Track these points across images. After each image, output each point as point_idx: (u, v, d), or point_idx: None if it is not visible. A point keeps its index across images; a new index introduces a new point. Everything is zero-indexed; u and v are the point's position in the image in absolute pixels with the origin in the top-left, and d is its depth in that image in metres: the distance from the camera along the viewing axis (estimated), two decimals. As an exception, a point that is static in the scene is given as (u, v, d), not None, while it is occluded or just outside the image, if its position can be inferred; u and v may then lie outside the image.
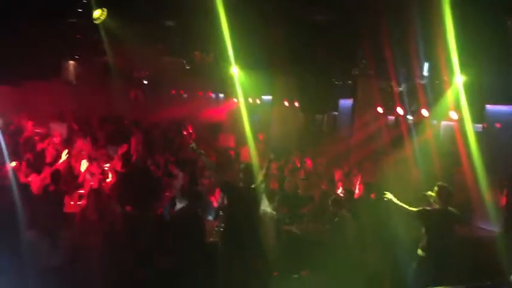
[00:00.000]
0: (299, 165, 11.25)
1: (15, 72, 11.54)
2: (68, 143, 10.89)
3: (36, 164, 8.76)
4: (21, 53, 10.93)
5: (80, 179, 8.33)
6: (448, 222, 6.71)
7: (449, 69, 8.88)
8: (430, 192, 6.94)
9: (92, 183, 8.09)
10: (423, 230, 6.79)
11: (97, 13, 9.31)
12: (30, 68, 11.81)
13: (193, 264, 6.70)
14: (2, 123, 11.00)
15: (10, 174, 7.09)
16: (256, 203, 6.91)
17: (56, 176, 7.25)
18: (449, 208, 6.69)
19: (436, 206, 6.74)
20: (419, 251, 6.81)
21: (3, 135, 9.28)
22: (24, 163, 8.54)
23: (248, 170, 6.93)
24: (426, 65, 9.24)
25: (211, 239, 7.33)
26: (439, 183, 6.87)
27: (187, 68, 15.34)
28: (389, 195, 6.92)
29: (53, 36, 11.58)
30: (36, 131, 11.41)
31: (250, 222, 6.70)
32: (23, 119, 12.10)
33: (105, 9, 9.34)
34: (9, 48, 10.18)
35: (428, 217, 6.71)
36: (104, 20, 9.48)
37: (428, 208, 6.82)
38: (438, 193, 6.74)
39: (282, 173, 10.42)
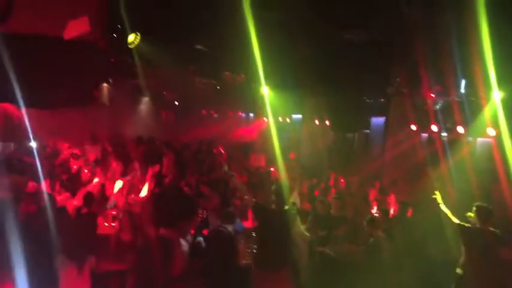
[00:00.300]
0: (332, 184, 11.10)
1: (51, 97, 11.84)
2: (101, 164, 11.05)
3: (70, 185, 8.91)
4: (57, 78, 11.23)
5: (112, 200, 8.41)
6: (489, 242, 6.48)
7: (486, 86, 8.69)
8: (469, 213, 6.77)
9: (126, 204, 8.15)
10: (462, 247, 6.59)
11: (131, 38, 9.53)
12: (65, 93, 12.10)
13: (226, 286, 6.62)
14: (38, 146, 11.27)
15: (45, 196, 7.18)
16: (288, 225, 6.83)
17: (88, 198, 7.33)
18: (490, 228, 6.47)
19: (477, 226, 6.54)
20: (458, 270, 6.59)
21: (40, 158, 9.51)
22: (58, 183, 8.69)
23: (279, 191, 6.87)
24: (463, 82, 9.03)
25: (243, 261, 7.26)
26: (477, 203, 6.68)
27: (218, 88, 15.47)
28: (438, 197, 6.78)
29: (88, 61, 11.87)
30: (72, 152, 11.62)
31: (282, 244, 6.61)
32: (58, 141, 12.37)
33: (138, 34, 9.54)
34: (45, 73, 10.48)
35: (466, 234, 6.53)
36: (138, 44, 9.68)
37: (467, 225, 6.62)
38: (477, 213, 6.57)
39: (313, 193, 10.30)
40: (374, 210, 9.35)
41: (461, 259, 6.65)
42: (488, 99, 8.83)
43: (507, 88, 8.39)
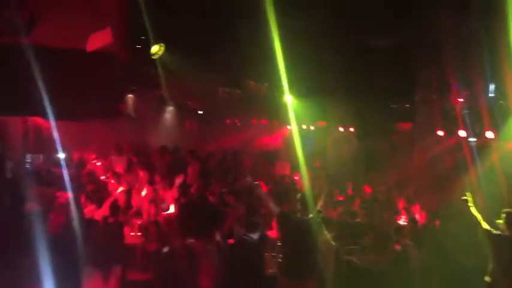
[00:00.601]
0: (351, 192, 10.96)
1: (77, 109, 12.03)
2: (127, 174, 11.14)
3: (96, 196, 8.98)
4: (82, 90, 11.41)
5: (136, 209, 8.46)
6: None
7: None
8: (499, 220, 6.58)
9: (152, 213, 8.19)
10: (491, 254, 6.42)
11: (155, 48, 9.61)
12: (91, 105, 12.29)
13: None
14: (66, 158, 11.45)
15: (72, 207, 7.26)
16: (314, 233, 6.76)
17: (114, 207, 7.38)
18: None
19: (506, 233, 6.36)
20: (487, 278, 6.41)
21: (68, 169, 9.64)
22: (83, 195, 8.78)
23: (304, 200, 6.81)
24: (491, 87, 8.83)
25: (270, 271, 7.20)
26: (506, 209, 6.49)
27: (242, 97, 15.50)
28: (469, 198, 6.63)
29: (112, 73, 12.05)
30: (98, 163, 11.76)
31: (308, 253, 6.54)
32: (85, 153, 12.53)
33: (162, 45, 9.63)
34: (71, 85, 10.66)
35: (494, 241, 6.35)
36: (161, 55, 9.75)
37: (495, 232, 6.44)
38: (506, 220, 6.38)
39: (339, 201, 10.19)
40: (402, 219, 9.18)
41: (490, 266, 6.47)
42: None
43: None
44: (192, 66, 11.30)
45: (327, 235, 7.50)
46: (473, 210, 6.66)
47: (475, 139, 11.03)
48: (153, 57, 9.75)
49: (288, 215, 6.88)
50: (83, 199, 8.60)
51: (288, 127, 15.38)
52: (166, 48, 9.72)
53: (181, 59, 10.76)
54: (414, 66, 9.80)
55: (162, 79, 12.63)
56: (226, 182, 11.53)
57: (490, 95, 8.94)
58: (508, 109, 9.08)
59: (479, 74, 8.54)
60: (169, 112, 20.30)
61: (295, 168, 13.10)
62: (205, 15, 9.50)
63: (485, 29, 7.89)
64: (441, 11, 7.72)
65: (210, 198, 9.46)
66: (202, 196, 9.18)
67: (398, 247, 7.64)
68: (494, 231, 6.44)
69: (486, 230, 6.45)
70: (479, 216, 6.59)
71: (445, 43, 8.49)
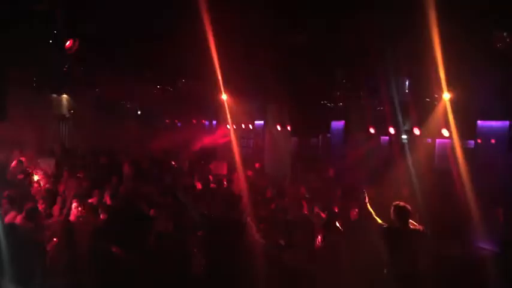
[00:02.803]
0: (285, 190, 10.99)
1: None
2: (55, 178, 10.71)
3: (20, 201, 8.53)
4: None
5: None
6: (408, 241, 6.44)
7: (438, 87, 8.75)
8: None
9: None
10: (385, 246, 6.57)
11: (69, 43, 9.08)
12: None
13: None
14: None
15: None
16: (242, 233, 6.70)
17: (31, 212, 7.01)
18: (411, 227, 6.45)
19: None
20: (385, 270, 6.57)
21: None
22: (4, 201, 8.31)
23: (230, 199, 6.77)
24: (410, 84, 9.08)
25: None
26: (395, 202, 6.65)
27: (180, 97, 15.27)
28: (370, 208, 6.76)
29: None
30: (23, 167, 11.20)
31: (234, 252, 6.48)
32: (11, 155, 11.93)
33: (76, 39, 9.19)
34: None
35: (385, 234, 6.51)
36: (79, 50, 9.29)
37: (385, 226, 6.59)
38: (394, 212, 6.54)
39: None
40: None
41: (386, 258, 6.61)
42: (439, 100, 8.91)
43: (457, 88, 8.46)
44: (119, 63, 10.96)
45: (256, 233, 7.47)
46: (368, 206, 6.77)
47: (405, 136, 11.33)
48: (68, 52, 9.29)
49: (210, 216, 6.80)
50: (4, 204, 8.15)
51: (227, 126, 15.28)
52: (86, 43, 9.32)
53: (105, 56, 10.39)
54: (337, 63, 9.91)
55: (93, 78, 12.21)
56: (159, 182, 11.31)
57: (412, 91, 9.17)
58: (432, 106, 9.36)
59: (406, 71, 8.74)
60: (106, 112, 19.82)
61: (232, 167, 13.06)
62: (132, 10, 9.18)
63: (408, 25, 8.03)
64: (365, 10, 7.83)
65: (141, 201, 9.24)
66: (129, 201, 8.91)
67: (327, 243, 7.69)
68: (383, 225, 6.57)
69: (378, 224, 6.59)
70: (373, 213, 6.71)
71: (369, 40, 8.62)
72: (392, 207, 6.55)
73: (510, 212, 8.23)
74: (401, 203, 6.58)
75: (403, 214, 6.46)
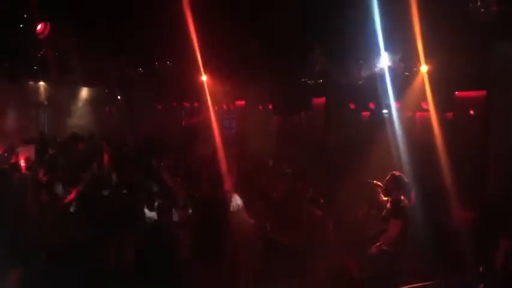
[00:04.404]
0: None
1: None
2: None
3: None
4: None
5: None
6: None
7: (415, 59, 8.76)
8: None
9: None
10: None
11: (40, 27, 8.77)
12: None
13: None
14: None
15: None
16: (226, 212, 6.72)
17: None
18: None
19: None
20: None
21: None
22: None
23: (215, 180, 6.75)
24: (392, 56, 9.06)
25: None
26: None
27: (159, 80, 15.07)
28: None
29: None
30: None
31: (217, 232, 6.48)
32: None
33: (48, 23, 8.90)
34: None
35: None
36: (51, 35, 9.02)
37: None
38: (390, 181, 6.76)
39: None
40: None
41: None
42: (418, 72, 8.94)
43: (433, 60, 8.49)
44: (95, 46, 10.74)
45: (244, 213, 7.50)
46: None
47: (386, 111, 11.33)
48: (40, 36, 9.01)
49: (195, 197, 6.78)
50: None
51: (209, 107, 15.18)
52: (59, 26, 9.04)
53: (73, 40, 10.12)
54: (307, 40, 9.80)
55: (69, 62, 11.96)
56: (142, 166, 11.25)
57: (391, 64, 9.14)
58: (411, 79, 9.38)
59: (380, 43, 8.70)
60: (87, 98, 19.59)
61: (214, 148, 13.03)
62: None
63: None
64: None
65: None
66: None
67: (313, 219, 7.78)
68: None
69: None
70: None
71: (333, 13, 8.55)
72: (389, 176, 6.69)
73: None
74: (397, 173, 6.77)
75: (400, 183, 6.58)
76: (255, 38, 11.12)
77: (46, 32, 8.90)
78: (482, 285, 4.53)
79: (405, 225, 6.33)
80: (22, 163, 10.97)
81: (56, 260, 6.48)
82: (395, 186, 6.54)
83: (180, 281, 6.62)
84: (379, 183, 7.34)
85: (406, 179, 6.85)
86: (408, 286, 5.36)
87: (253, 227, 7.76)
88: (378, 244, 6.49)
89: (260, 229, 7.91)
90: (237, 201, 7.37)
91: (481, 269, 4.66)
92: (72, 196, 7.08)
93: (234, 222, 6.96)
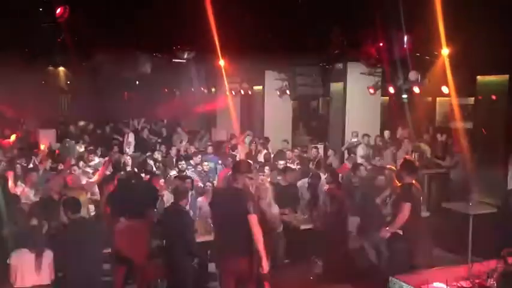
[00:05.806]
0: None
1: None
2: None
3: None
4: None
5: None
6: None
7: (437, 43, 8.60)
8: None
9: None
10: None
11: (59, 11, 8.70)
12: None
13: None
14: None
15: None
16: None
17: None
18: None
19: None
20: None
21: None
22: (12, 173, 8.37)
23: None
24: (409, 41, 8.88)
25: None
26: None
27: (176, 64, 15.06)
28: None
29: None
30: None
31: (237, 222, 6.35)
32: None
33: (67, 7, 8.87)
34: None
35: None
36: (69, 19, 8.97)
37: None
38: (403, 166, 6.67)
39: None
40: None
41: None
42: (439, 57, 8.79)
43: (456, 44, 8.32)
44: (112, 33, 10.73)
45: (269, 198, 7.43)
46: None
47: (405, 95, 11.20)
48: (59, 20, 8.98)
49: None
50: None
51: (227, 93, 15.19)
52: (77, 12, 9.01)
53: (97, 26, 10.12)
54: (329, 22, 9.63)
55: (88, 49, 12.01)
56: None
57: (411, 48, 8.96)
58: (431, 63, 9.23)
59: (400, 28, 8.53)
60: (104, 83, 19.70)
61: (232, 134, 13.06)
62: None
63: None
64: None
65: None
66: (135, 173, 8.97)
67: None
68: None
69: None
70: None
71: None
72: (402, 160, 6.71)
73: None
74: (409, 157, 6.82)
75: (411, 168, 6.55)
76: (275, 22, 11.00)
77: (66, 15, 8.87)
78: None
79: (415, 208, 6.28)
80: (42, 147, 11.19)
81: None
82: (406, 170, 6.49)
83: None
84: (393, 168, 7.36)
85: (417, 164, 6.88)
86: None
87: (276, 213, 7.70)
88: (386, 228, 6.46)
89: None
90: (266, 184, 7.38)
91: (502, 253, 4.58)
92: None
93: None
